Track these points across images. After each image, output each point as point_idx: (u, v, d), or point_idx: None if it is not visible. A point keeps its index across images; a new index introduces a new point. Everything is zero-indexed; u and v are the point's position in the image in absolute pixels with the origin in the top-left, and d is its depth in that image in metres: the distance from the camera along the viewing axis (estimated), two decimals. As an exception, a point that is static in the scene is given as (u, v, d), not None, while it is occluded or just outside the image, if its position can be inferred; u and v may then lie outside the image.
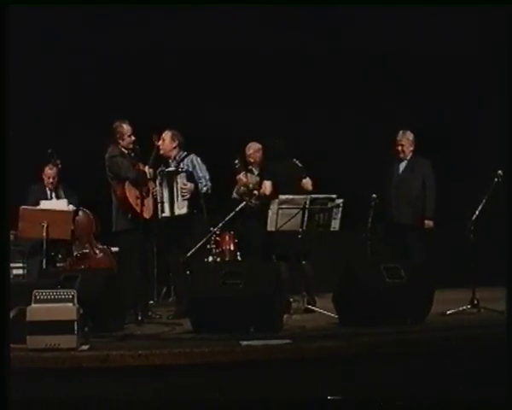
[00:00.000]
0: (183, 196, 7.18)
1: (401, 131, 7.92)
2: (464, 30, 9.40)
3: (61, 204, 7.75)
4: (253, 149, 8.27)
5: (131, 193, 7.03)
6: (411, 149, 7.90)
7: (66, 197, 8.03)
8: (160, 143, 7.30)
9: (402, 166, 7.93)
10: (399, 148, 7.87)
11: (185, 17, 9.52)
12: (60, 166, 7.88)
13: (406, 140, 7.87)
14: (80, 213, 7.97)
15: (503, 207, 5.89)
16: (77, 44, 9.44)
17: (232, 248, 8.11)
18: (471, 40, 9.45)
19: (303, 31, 9.75)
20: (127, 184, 7.04)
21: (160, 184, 7.21)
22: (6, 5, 5.04)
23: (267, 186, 7.40)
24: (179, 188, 7.18)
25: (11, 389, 4.54)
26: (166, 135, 7.43)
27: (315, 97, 9.77)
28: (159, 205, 7.15)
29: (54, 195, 8.09)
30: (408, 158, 7.92)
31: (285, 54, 9.74)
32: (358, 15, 9.48)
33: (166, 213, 7.18)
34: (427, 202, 7.73)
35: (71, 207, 7.75)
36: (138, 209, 6.95)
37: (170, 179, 7.23)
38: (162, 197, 7.18)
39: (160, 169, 7.32)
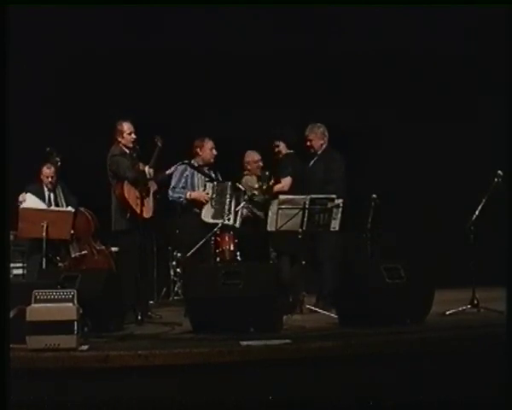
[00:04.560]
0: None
1: (309, 125, 7.58)
2: (464, 30, 9.41)
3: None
4: (252, 158, 8.18)
5: (131, 193, 7.04)
6: (321, 142, 7.55)
7: (64, 197, 8.02)
8: (200, 150, 7.54)
9: (312, 162, 7.59)
10: (308, 143, 7.55)
11: (186, 18, 9.53)
12: (59, 164, 7.87)
13: (314, 135, 7.54)
14: (79, 214, 7.92)
15: (503, 207, 5.88)
16: (77, 44, 9.45)
17: (232, 248, 8.11)
18: (471, 40, 9.46)
19: (303, 31, 9.76)
20: (126, 183, 7.05)
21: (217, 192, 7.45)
22: (6, 5, 5.03)
23: (287, 182, 7.35)
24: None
25: (11, 389, 4.53)
26: (208, 143, 7.58)
27: (313, 97, 9.77)
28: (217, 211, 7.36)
29: (52, 195, 8.07)
30: (319, 153, 7.56)
31: (284, 54, 9.75)
32: (358, 16, 9.49)
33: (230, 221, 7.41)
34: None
35: (69, 209, 7.76)
36: (137, 209, 6.95)
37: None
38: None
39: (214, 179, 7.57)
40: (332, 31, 9.73)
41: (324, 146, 7.59)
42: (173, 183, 7.59)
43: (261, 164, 8.08)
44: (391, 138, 9.73)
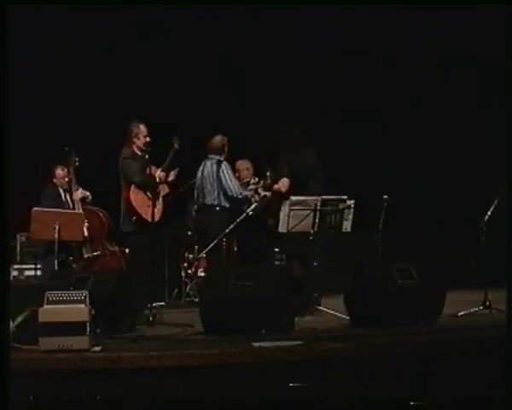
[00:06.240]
0: None
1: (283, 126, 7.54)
2: (464, 30, 9.40)
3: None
4: (240, 166, 8.31)
5: (138, 196, 7.08)
6: None
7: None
8: (227, 148, 7.73)
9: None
10: None
11: (186, 17, 9.57)
12: (77, 164, 7.90)
13: None
14: (93, 214, 7.92)
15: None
16: (77, 44, 9.51)
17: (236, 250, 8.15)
18: (471, 40, 9.45)
19: (304, 31, 9.79)
20: (133, 187, 7.10)
21: None
22: (6, 5, 5.04)
23: (285, 183, 7.29)
24: None
25: (12, 389, 4.55)
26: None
27: (324, 98, 9.78)
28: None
29: (68, 195, 8.11)
30: None
31: (292, 54, 9.80)
32: (358, 16, 9.50)
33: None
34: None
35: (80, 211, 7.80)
36: (143, 213, 6.99)
37: None
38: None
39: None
40: (332, 31, 9.75)
41: None
42: (237, 181, 7.76)
43: (251, 171, 8.23)
44: (398, 139, 9.74)
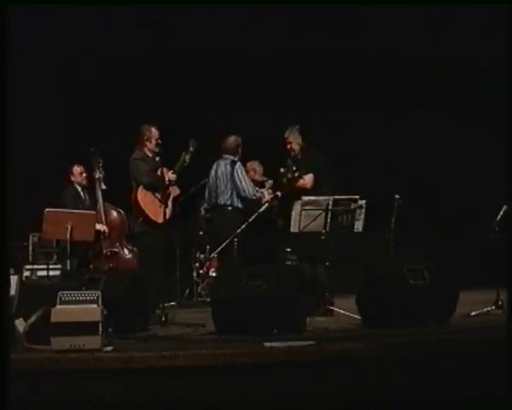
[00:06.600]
0: None
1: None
2: (464, 30, 9.42)
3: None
4: (251, 167, 8.34)
5: (146, 198, 7.12)
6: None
7: (102, 198, 8.03)
8: (240, 148, 7.72)
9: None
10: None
11: (188, 17, 9.59)
12: (101, 164, 7.90)
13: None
14: (116, 213, 8.00)
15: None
16: (77, 44, 9.53)
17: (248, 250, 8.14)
18: (471, 40, 9.46)
19: (304, 31, 9.81)
20: (141, 188, 7.14)
21: None
22: (6, 5, 5.04)
23: (310, 179, 7.28)
24: None
25: (20, 389, 4.58)
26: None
27: (336, 98, 9.78)
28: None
29: (87, 194, 8.13)
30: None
31: (292, 54, 9.81)
32: (358, 16, 9.51)
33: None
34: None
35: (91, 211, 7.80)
36: (151, 214, 7.04)
37: None
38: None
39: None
40: (332, 31, 9.76)
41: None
42: (250, 182, 7.75)
43: (260, 172, 8.28)
44: (398, 139, 9.74)
